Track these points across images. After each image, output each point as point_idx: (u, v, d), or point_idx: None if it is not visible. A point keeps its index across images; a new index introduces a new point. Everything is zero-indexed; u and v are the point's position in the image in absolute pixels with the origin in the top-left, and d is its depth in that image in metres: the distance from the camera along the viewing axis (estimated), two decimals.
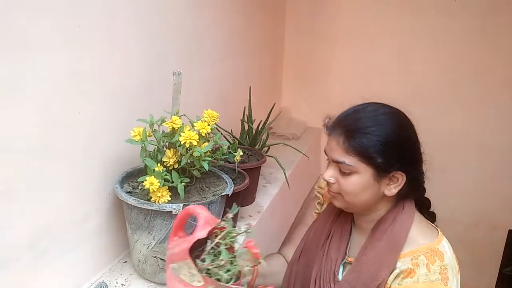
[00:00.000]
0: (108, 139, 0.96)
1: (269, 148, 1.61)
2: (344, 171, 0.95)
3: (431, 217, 1.07)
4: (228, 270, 0.69)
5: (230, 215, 0.75)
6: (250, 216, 1.34)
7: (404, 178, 0.95)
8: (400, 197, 1.00)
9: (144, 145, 0.91)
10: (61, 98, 0.81)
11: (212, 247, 0.71)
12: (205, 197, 0.98)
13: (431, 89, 2.16)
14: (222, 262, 0.69)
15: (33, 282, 0.81)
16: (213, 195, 0.98)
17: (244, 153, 1.44)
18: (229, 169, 1.26)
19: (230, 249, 0.72)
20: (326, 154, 1.00)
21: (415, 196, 1.03)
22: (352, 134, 0.93)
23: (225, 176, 1.08)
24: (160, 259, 0.93)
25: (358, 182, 0.94)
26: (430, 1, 2.12)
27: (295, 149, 1.63)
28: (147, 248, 0.93)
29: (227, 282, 0.68)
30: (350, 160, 0.93)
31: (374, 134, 0.93)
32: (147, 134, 0.92)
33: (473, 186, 2.21)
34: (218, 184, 1.05)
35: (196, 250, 0.72)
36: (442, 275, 0.93)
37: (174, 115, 0.95)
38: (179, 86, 0.97)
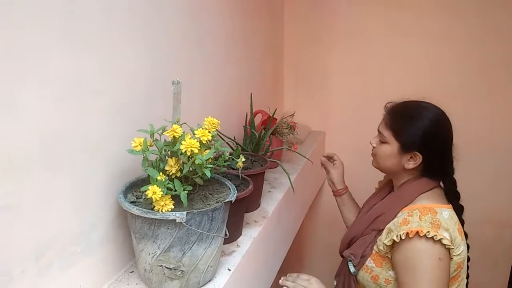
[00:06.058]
0: (110, 150, 0.97)
1: (272, 153, 1.61)
2: (382, 140, 1.26)
3: (457, 208, 1.23)
4: None
5: None
6: (255, 221, 1.34)
7: (421, 159, 1.19)
8: (422, 174, 1.24)
9: (146, 155, 0.92)
10: (60, 110, 0.81)
11: None
12: (208, 204, 0.98)
13: (434, 89, 2.15)
14: None
15: None
16: (217, 202, 0.98)
17: (247, 159, 1.44)
18: (233, 176, 1.26)
19: None
20: (378, 127, 1.30)
21: (434, 176, 1.24)
22: (394, 116, 1.25)
23: (228, 183, 1.08)
24: (166, 267, 0.93)
25: (387, 150, 1.25)
26: (429, 0, 2.12)
27: (299, 153, 1.63)
28: (153, 257, 0.93)
29: None
30: (386, 133, 1.24)
31: (407, 120, 1.22)
32: (148, 144, 0.93)
33: (480, 185, 2.19)
34: (222, 191, 1.05)
35: None
36: (433, 225, 1.10)
37: (175, 123, 0.95)
38: (179, 95, 0.97)
